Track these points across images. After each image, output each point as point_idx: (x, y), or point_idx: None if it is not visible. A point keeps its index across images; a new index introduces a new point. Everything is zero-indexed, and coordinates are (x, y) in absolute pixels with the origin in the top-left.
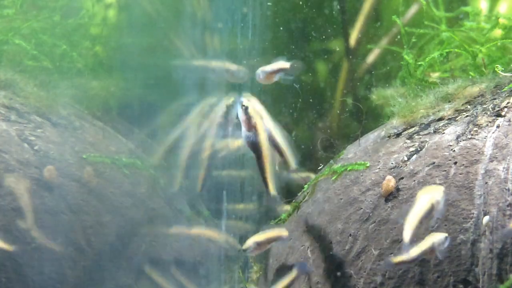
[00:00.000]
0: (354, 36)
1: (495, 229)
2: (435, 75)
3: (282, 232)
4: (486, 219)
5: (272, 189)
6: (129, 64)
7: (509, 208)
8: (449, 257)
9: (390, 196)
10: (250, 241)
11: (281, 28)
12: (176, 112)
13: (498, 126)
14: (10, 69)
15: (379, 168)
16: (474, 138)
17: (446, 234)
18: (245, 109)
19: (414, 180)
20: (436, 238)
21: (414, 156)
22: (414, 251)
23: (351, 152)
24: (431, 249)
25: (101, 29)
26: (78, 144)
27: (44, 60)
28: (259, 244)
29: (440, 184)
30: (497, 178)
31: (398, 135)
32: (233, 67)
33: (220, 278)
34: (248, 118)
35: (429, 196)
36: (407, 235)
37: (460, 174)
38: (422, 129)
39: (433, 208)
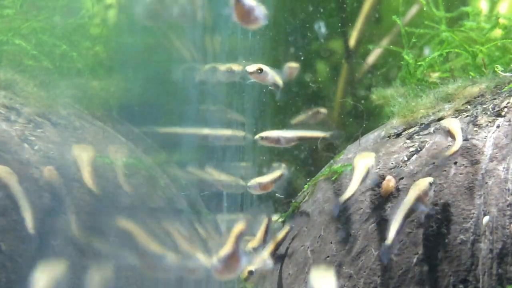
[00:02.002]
0: (354, 36)
1: (495, 229)
2: (435, 75)
3: (282, 171)
4: (486, 219)
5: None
6: (129, 64)
7: (509, 208)
8: (449, 257)
9: (390, 196)
10: (254, 181)
11: (281, 28)
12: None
13: (498, 126)
14: (10, 69)
15: (379, 168)
16: (474, 138)
17: (374, 154)
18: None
19: (414, 180)
20: (366, 160)
21: (414, 156)
22: (354, 182)
23: (351, 152)
24: (368, 173)
25: (101, 29)
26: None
27: (44, 60)
28: (262, 184)
29: (440, 184)
30: (497, 178)
31: (398, 135)
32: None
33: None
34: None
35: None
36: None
37: (460, 174)
38: (422, 129)
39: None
